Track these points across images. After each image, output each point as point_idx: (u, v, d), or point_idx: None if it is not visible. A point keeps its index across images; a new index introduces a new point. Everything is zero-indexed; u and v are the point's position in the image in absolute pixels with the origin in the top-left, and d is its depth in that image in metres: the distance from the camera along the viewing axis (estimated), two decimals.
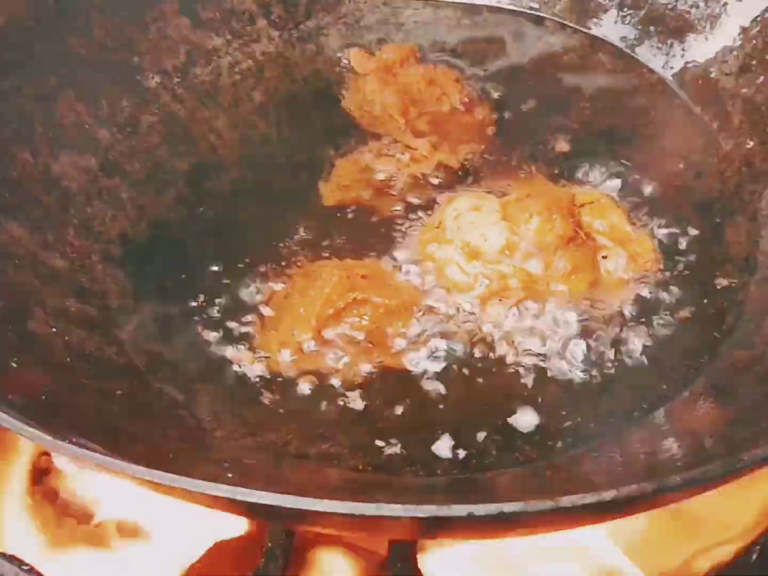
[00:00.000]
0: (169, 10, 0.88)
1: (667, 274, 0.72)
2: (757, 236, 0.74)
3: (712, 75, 0.85)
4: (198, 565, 0.67)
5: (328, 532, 0.65)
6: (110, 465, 0.47)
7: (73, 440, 0.48)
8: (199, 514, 0.58)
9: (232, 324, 0.69)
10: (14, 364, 0.60)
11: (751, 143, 0.79)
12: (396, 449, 0.63)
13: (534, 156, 0.81)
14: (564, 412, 0.64)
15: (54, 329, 0.66)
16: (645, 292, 0.70)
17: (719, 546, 0.64)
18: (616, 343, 0.68)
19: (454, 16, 0.95)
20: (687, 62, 0.87)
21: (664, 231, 0.74)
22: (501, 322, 0.69)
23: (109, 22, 0.84)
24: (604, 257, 0.72)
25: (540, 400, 0.65)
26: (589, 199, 0.74)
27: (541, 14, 0.94)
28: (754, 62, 0.82)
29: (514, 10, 0.95)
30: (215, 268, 0.73)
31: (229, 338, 0.69)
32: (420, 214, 0.76)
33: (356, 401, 0.65)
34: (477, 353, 0.67)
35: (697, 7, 0.87)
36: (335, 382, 0.66)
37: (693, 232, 0.74)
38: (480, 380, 0.66)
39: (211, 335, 0.69)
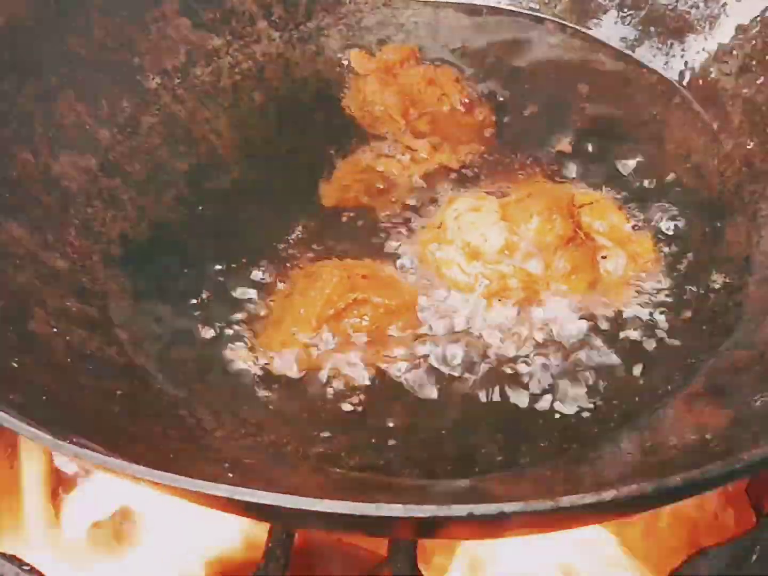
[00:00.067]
0: (170, 10, 0.88)
1: (667, 274, 0.72)
2: (757, 236, 0.74)
3: (712, 75, 0.85)
4: (198, 564, 0.68)
5: (328, 532, 0.65)
6: (110, 465, 0.47)
7: (73, 440, 0.48)
8: (199, 514, 0.58)
9: (232, 324, 0.69)
10: (14, 364, 0.60)
11: (751, 143, 0.79)
12: (396, 450, 0.63)
13: (534, 156, 0.81)
14: (564, 413, 0.64)
15: (54, 329, 0.66)
16: (644, 293, 0.71)
17: (718, 545, 0.64)
18: (616, 343, 0.68)
19: (454, 17, 0.95)
20: (687, 63, 0.87)
21: (664, 231, 0.74)
22: (501, 321, 0.69)
23: (109, 22, 0.84)
24: (604, 257, 0.72)
25: (540, 400, 0.65)
26: (589, 200, 0.75)
27: (541, 15, 0.94)
28: (754, 62, 0.82)
29: (514, 11, 0.94)
30: (215, 268, 0.73)
31: (230, 338, 0.68)
32: (420, 214, 0.76)
33: (356, 401, 0.65)
34: (477, 353, 0.67)
35: (697, 7, 0.87)
36: (335, 382, 0.66)
37: (693, 232, 0.74)
38: (480, 381, 0.66)
39: (211, 335, 0.69)
